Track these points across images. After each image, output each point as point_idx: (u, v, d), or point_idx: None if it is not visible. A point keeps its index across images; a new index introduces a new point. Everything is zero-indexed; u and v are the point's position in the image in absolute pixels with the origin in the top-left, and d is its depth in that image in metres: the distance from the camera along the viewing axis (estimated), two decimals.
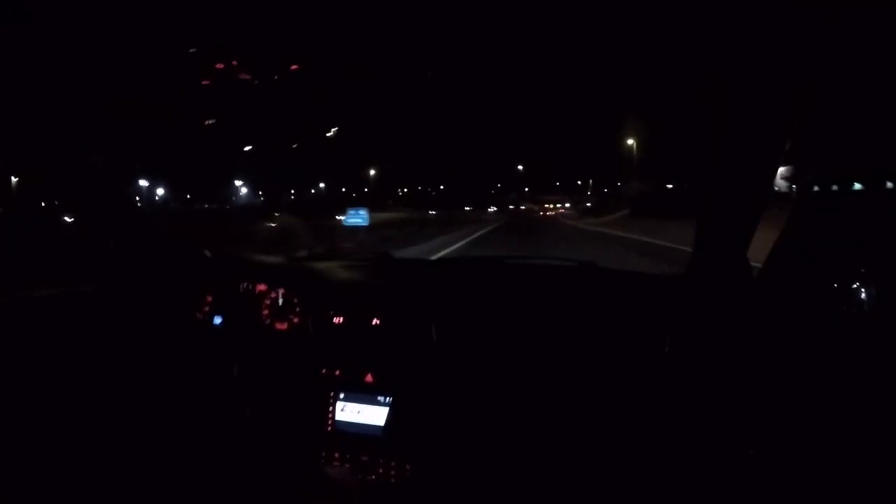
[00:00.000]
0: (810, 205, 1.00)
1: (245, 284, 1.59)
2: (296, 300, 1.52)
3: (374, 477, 1.28)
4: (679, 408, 1.15)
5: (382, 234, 14.62)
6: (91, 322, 1.55)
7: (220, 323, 1.57)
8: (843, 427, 0.92)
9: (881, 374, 0.90)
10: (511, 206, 55.90)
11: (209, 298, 1.60)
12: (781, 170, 0.99)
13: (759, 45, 0.85)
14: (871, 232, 0.98)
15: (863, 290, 0.95)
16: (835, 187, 1.04)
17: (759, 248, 1.12)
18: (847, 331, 0.98)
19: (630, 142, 29.79)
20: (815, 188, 1.07)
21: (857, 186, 1.04)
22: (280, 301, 1.54)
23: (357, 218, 13.88)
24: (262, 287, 1.57)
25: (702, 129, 1.00)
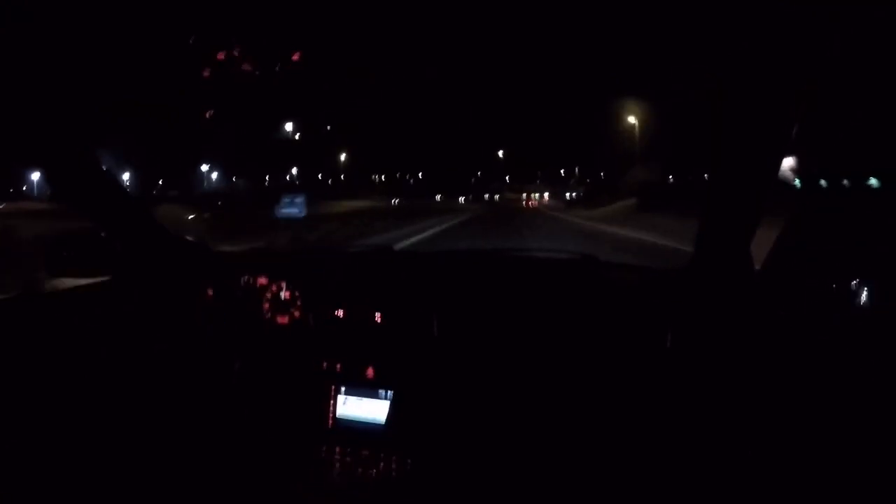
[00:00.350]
0: (811, 204, 1.01)
1: (246, 278, 1.59)
2: (297, 294, 1.53)
3: (375, 471, 1.29)
4: (680, 403, 1.16)
5: (319, 230, 12.03)
6: (91, 321, 1.55)
7: (221, 317, 1.58)
8: (843, 427, 0.93)
9: (881, 374, 0.91)
10: (486, 196, 53.97)
11: (210, 292, 1.60)
12: (789, 162, 0.99)
13: (759, 45, 0.85)
14: (872, 232, 0.99)
15: (864, 290, 0.96)
16: (845, 182, 1.03)
17: (761, 247, 1.12)
18: (847, 331, 0.99)
19: (631, 120, 25.93)
20: (823, 182, 1.07)
21: (873, 182, 1.03)
22: (281, 295, 1.55)
23: (292, 208, 11.39)
24: (262, 281, 1.58)
25: (708, 116, 0.99)
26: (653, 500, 1.15)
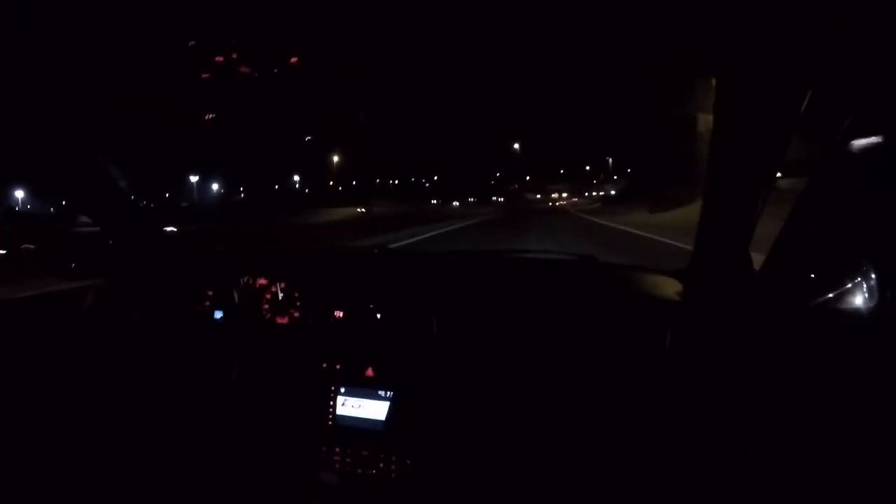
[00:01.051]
0: (811, 202, 1.01)
1: (245, 278, 1.59)
2: (296, 294, 1.53)
3: (374, 472, 1.28)
4: (679, 403, 1.16)
5: None
6: (91, 322, 1.55)
7: (221, 317, 1.58)
8: (842, 426, 0.93)
9: (882, 374, 0.91)
10: (494, 198, 51.69)
11: (210, 293, 1.60)
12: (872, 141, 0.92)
13: (759, 45, 0.85)
14: (873, 231, 0.98)
15: (864, 288, 0.96)
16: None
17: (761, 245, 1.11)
18: (848, 330, 0.99)
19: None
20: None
21: None
22: (280, 295, 1.55)
23: None
24: (262, 281, 1.58)
25: None
26: (652, 497, 1.15)
